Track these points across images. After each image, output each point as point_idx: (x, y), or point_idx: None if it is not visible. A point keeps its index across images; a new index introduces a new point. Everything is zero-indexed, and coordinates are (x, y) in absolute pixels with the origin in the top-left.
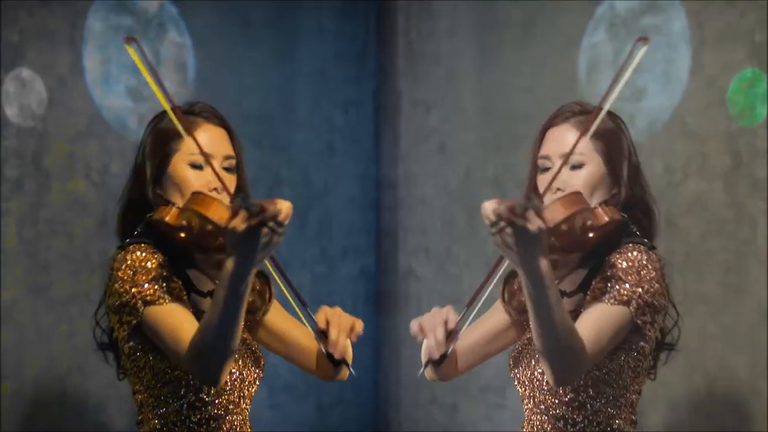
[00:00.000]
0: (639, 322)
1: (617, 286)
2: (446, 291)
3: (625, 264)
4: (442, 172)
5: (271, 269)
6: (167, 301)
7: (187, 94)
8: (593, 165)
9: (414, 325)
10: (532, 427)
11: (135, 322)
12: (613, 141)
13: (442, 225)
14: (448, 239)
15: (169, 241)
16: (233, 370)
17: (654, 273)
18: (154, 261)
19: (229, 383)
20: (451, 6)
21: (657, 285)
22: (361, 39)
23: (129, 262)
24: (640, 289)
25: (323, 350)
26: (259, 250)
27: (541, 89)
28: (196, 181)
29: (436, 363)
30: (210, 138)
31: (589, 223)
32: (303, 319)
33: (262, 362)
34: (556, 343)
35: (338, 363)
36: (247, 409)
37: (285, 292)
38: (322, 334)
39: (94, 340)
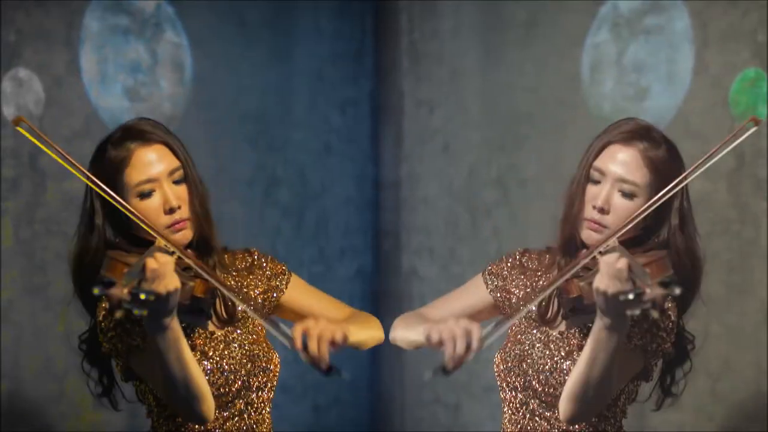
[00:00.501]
0: (648, 365)
1: (645, 332)
2: (449, 291)
3: (655, 313)
4: (445, 172)
5: (232, 296)
6: (145, 347)
7: (184, 93)
8: (642, 200)
9: (433, 334)
10: (518, 427)
11: (125, 366)
12: (666, 175)
13: (445, 225)
14: (451, 239)
15: None
16: (236, 381)
17: (672, 325)
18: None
19: (231, 395)
20: (454, 6)
21: (672, 337)
22: (358, 39)
23: (104, 311)
24: (659, 340)
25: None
26: (147, 322)
27: (544, 89)
28: (151, 208)
29: (448, 373)
30: (150, 161)
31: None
32: (280, 338)
33: (271, 365)
34: (596, 390)
35: (327, 374)
36: (261, 413)
37: (249, 312)
38: (303, 350)
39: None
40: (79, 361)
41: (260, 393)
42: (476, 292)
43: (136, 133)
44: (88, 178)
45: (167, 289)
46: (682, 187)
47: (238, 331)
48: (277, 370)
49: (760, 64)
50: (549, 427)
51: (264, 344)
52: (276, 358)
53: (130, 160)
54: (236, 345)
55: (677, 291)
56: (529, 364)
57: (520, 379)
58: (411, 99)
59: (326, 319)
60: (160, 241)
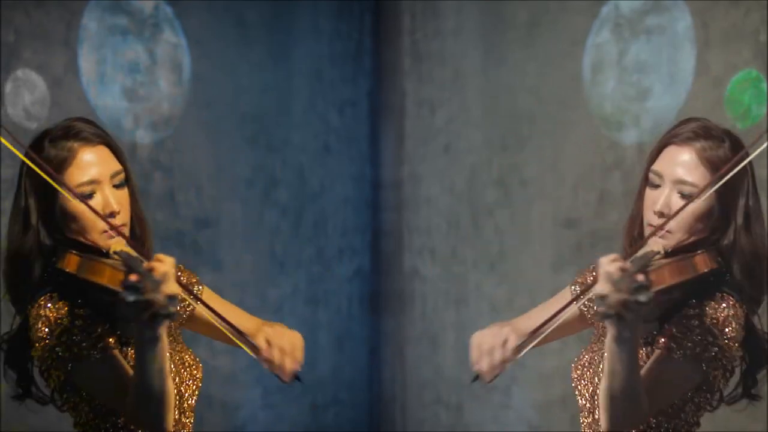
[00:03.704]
0: (710, 377)
1: (695, 342)
2: (451, 291)
3: (709, 319)
4: (447, 172)
5: (201, 306)
6: (93, 356)
7: (182, 94)
8: (705, 201)
9: (475, 341)
10: None
11: (64, 377)
12: (732, 181)
13: (447, 225)
14: (453, 239)
15: (78, 285)
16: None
17: (735, 332)
18: (66, 313)
19: (172, 410)
20: (456, 6)
21: (736, 344)
22: (356, 39)
23: (43, 318)
24: (717, 348)
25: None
26: (155, 328)
27: (546, 89)
28: (88, 211)
29: (487, 382)
30: (92, 161)
31: (693, 275)
32: (244, 347)
33: (199, 373)
34: (622, 402)
35: (286, 382)
36: (190, 422)
37: (217, 324)
38: (266, 360)
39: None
40: None
41: (189, 401)
42: (562, 303)
43: (77, 132)
44: (48, 174)
45: (174, 293)
46: (749, 185)
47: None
48: (201, 377)
49: (762, 63)
50: None
51: (189, 353)
52: (200, 370)
53: (73, 159)
54: (169, 352)
55: (642, 298)
56: (594, 372)
57: (589, 387)
58: (412, 99)
59: (280, 331)
60: (117, 245)
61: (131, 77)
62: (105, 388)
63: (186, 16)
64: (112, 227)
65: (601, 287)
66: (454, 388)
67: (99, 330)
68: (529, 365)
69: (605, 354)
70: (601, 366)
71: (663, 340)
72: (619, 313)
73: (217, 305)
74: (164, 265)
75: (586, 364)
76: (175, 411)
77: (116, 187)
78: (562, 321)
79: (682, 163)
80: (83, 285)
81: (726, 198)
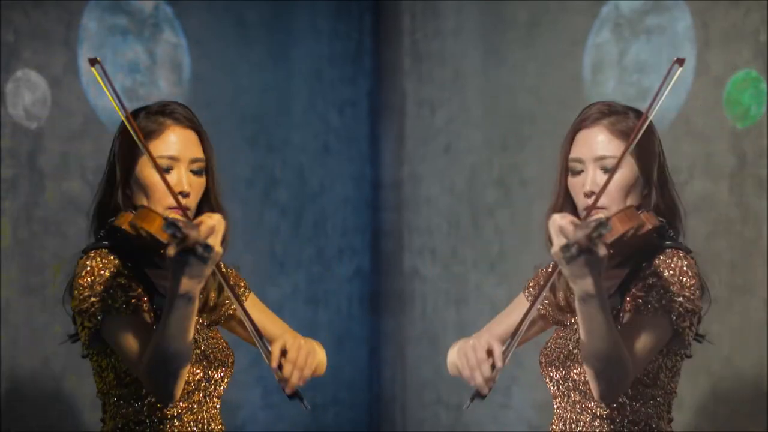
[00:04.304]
0: (680, 329)
1: (659, 295)
2: (452, 291)
3: (666, 272)
4: (447, 172)
5: (232, 298)
6: (124, 312)
7: (182, 94)
8: (626, 169)
9: (462, 371)
10: (565, 425)
11: (94, 329)
12: (645, 143)
13: (447, 225)
14: (453, 239)
15: (129, 245)
16: (197, 371)
17: (694, 279)
18: (112, 268)
19: (193, 384)
20: (456, 6)
21: (697, 291)
22: (356, 39)
23: (88, 268)
24: (681, 298)
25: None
26: (189, 275)
27: (546, 89)
28: (161, 185)
29: (483, 398)
30: (178, 141)
31: (636, 232)
32: (260, 349)
33: (231, 360)
34: (606, 360)
35: (290, 398)
36: (215, 407)
37: (243, 318)
38: (277, 369)
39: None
40: (77, 359)
41: (218, 387)
42: (521, 307)
43: (172, 111)
44: (133, 129)
45: (218, 249)
46: (658, 143)
47: (199, 325)
48: (233, 367)
49: (762, 63)
50: (591, 419)
51: (222, 341)
52: (233, 356)
53: (161, 134)
54: (200, 336)
55: (603, 230)
56: (566, 355)
57: (561, 372)
58: (413, 99)
59: (302, 345)
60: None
61: (131, 77)
62: (129, 346)
63: (186, 16)
64: (179, 206)
65: (559, 240)
66: (454, 388)
67: (137, 292)
68: (528, 365)
69: (578, 320)
70: (571, 345)
71: (628, 305)
72: (587, 248)
73: (260, 314)
74: (212, 219)
75: (554, 348)
76: (199, 393)
77: (194, 173)
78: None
79: (598, 142)
80: (134, 246)
81: (644, 164)
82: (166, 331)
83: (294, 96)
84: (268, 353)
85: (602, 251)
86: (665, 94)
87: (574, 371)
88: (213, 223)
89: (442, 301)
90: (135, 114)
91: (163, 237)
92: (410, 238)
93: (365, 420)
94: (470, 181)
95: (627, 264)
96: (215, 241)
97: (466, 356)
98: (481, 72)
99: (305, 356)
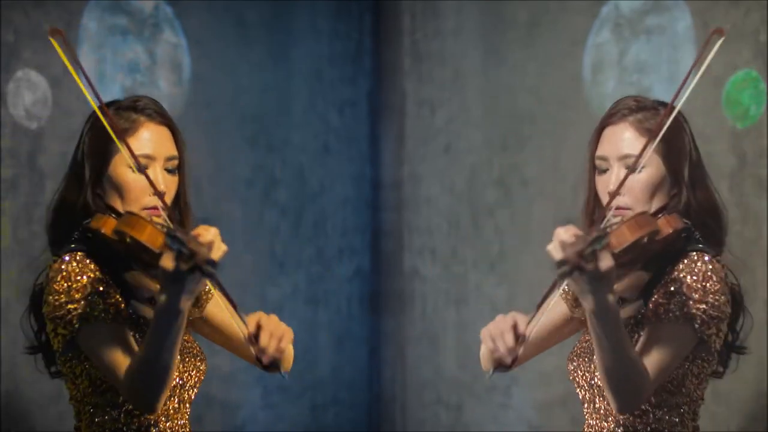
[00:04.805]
0: (704, 336)
1: (681, 302)
2: (452, 291)
3: (689, 278)
4: (447, 172)
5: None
6: (103, 320)
7: (182, 94)
8: (652, 167)
9: (486, 341)
10: (591, 429)
11: (69, 336)
12: (673, 139)
13: (447, 225)
14: (453, 239)
15: (106, 250)
16: (174, 376)
17: (719, 284)
18: (90, 273)
19: (169, 390)
20: (456, 6)
21: (722, 297)
22: (356, 39)
23: (64, 273)
24: (704, 305)
25: (253, 353)
26: (189, 291)
27: (546, 89)
28: (136, 184)
29: (507, 368)
30: (152, 138)
31: (661, 231)
32: (234, 319)
33: (204, 366)
34: (620, 375)
35: (267, 368)
36: (188, 412)
37: (214, 292)
38: (253, 338)
39: (26, 343)
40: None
41: (190, 392)
42: (557, 306)
43: (144, 107)
44: (102, 113)
45: (216, 259)
46: (690, 140)
47: None
48: (205, 370)
49: (763, 63)
50: (615, 425)
51: (196, 344)
52: (206, 362)
53: (134, 131)
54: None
55: (597, 246)
56: (590, 359)
57: (587, 377)
58: (413, 99)
59: (277, 320)
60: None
61: (131, 77)
62: (108, 355)
63: (186, 16)
64: (163, 205)
65: (557, 255)
66: (454, 388)
67: (115, 299)
68: (529, 365)
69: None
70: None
71: (650, 312)
72: (578, 266)
73: (224, 312)
74: (209, 232)
75: (580, 353)
76: (174, 398)
77: (168, 171)
78: (558, 324)
79: (624, 140)
80: (112, 251)
81: (672, 162)
82: (155, 344)
83: (294, 96)
84: (245, 326)
85: (603, 265)
86: (697, 78)
87: (597, 377)
88: (212, 237)
89: (442, 301)
90: (106, 108)
91: (155, 246)
92: (410, 238)
93: (365, 420)
94: (470, 181)
95: (649, 267)
96: (217, 255)
97: (490, 328)
98: (481, 72)
99: (281, 328)
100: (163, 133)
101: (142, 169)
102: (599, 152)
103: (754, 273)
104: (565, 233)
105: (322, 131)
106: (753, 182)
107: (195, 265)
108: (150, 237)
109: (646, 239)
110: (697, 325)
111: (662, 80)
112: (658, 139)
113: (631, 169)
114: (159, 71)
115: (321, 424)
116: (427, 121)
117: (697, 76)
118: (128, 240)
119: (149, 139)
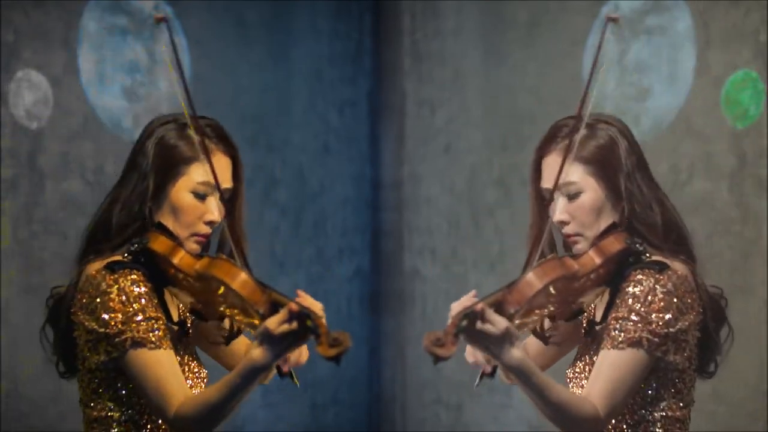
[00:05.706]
0: (660, 353)
1: (625, 328)
2: (452, 291)
3: (631, 300)
4: (447, 173)
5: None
6: (156, 346)
7: (181, 94)
8: (589, 190)
9: (467, 351)
10: None
11: (116, 355)
12: (601, 158)
13: (447, 225)
14: (453, 239)
15: (155, 270)
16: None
17: (663, 300)
18: (146, 296)
19: None
20: (456, 6)
21: (669, 314)
22: (356, 39)
23: (119, 289)
24: (650, 325)
25: None
26: (285, 352)
27: (546, 89)
28: (194, 211)
29: (490, 376)
30: (218, 168)
31: (580, 271)
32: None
33: (204, 382)
34: (556, 417)
35: (284, 376)
36: None
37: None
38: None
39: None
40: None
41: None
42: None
43: (218, 132)
44: (203, 145)
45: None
46: (623, 151)
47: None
48: (206, 380)
49: (763, 63)
50: None
51: (196, 358)
52: (207, 378)
53: (211, 156)
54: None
55: (462, 326)
56: (579, 381)
57: (569, 371)
58: (413, 99)
59: None
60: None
61: (131, 77)
62: (154, 382)
63: (186, 16)
64: (208, 229)
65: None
66: (454, 388)
67: (161, 319)
68: None
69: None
70: (583, 375)
71: (603, 338)
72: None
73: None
74: (316, 306)
75: (578, 372)
76: None
77: (221, 199)
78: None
79: (554, 170)
80: (160, 272)
81: (608, 180)
82: (233, 394)
83: (294, 96)
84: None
85: (496, 327)
86: (593, 94)
87: (575, 370)
88: (318, 311)
89: (442, 301)
90: (169, 129)
91: (251, 296)
92: (410, 238)
93: (365, 420)
94: (470, 181)
95: (609, 288)
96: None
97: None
98: (481, 72)
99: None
100: (226, 163)
101: (223, 200)
102: (543, 184)
103: (753, 273)
104: (458, 303)
105: (322, 131)
106: (753, 182)
107: (305, 337)
108: (244, 286)
109: (570, 275)
110: (645, 348)
111: (662, 80)
112: (571, 159)
113: (550, 200)
114: (159, 71)
115: (321, 424)
116: (427, 121)
117: (593, 92)
118: (210, 287)
119: (217, 169)
